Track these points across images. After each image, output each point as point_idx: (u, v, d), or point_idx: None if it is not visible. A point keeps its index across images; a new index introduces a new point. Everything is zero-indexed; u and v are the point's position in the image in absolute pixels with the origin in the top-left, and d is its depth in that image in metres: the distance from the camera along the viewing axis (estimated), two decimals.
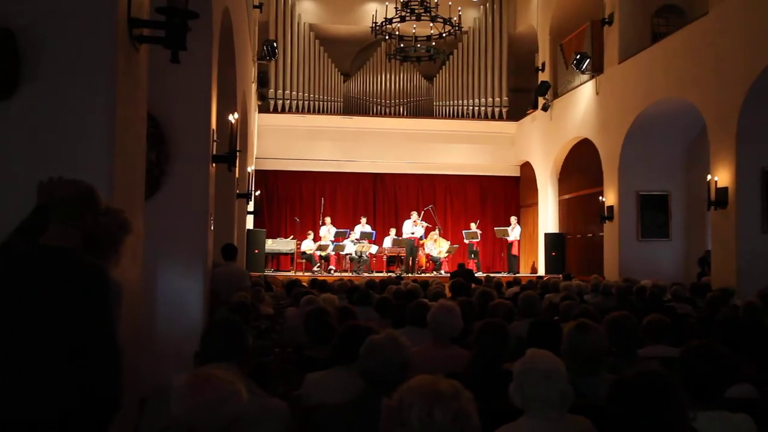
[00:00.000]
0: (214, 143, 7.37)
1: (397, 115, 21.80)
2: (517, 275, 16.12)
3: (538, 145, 19.94)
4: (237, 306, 5.29)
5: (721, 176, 11.66)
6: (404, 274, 16.04)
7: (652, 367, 2.49)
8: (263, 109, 20.53)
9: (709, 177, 11.92)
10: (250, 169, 14.56)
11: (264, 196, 20.33)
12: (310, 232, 18.76)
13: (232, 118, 8.02)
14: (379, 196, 21.72)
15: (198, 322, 6.52)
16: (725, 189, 11.53)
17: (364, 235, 18.33)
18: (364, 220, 19.15)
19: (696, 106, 12.54)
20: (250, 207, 15.40)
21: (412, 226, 18.51)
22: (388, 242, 19.01)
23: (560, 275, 13.87)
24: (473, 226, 19.42)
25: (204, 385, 2.07)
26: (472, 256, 19.06)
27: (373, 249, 18.26)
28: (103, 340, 2.44)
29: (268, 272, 17.23)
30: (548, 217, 19.32)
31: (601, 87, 16.19)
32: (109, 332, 2.45)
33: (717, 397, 2.87)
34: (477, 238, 19.10)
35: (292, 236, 19.15)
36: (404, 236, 18.62)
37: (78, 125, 3.42)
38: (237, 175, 11.13)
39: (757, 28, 10.96)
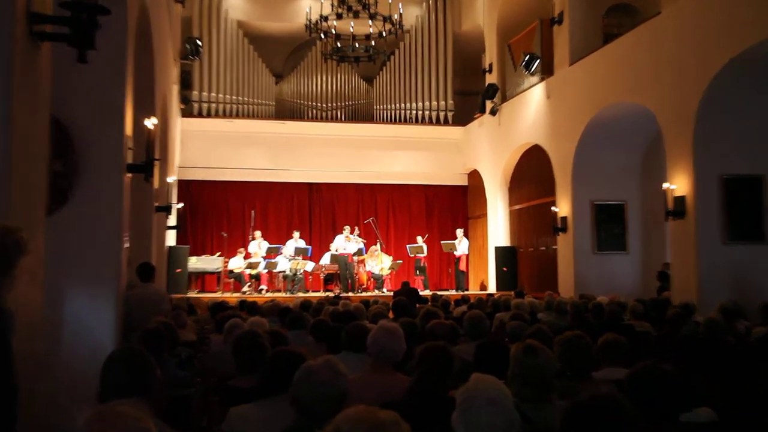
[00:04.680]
0: (129, 151, 7.23)
1: (334, 119, 21.81)
2: (465, 293, 16.25)
3: (486, 151, 20.18)
4: (151, 333, 5.16)
5: (679, 184, 11.93)
6: (343, 294, 15.99)
7: (606, 391, 2.51)
8: (186, 113, 20.29)
9: (666, 185, 12.20)
10: (171, 179, 14.35)
11: (187, 208, 20.07)
12: (241, 249, 18.56)
13: (150, 123, 7.88)
14: (316, 208, 21.66)
15: (108, 348, 6.36)
16: (683, 198, 11.80)
17: (298, 251, 18.24)
18: (297, 234, 19.03)
19: (651, 111, 12.84)
20: (171, 221, 15.14)
21: (344, 242, 18.48)
22: (326, 259, 18.95)
23: (512, 292, 14.01)
24: (420, 240, 19.52)
25: (108, 423, 2.00)
26: (419, 272, 19.14)
27: (309, 266, 18.18)
28: None
29: (192, 294, 16.98)
30: (498, 229, 19.55)
31: (551, 90, 16.48)
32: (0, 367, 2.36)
33: (669, 421, 2.90)
34: (423, 253, 19.19)
35: (218, 253, 18.93)
36: (337, 252, 18.58)
37: None
38: (156, 186, 10.93)
39: (712, 28, 11.27)
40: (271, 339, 5.14)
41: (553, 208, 16.04)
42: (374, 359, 4.46)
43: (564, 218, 15.63)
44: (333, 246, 18.73)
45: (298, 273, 17.88)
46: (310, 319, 7.14)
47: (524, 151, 18.42)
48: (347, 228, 18.85)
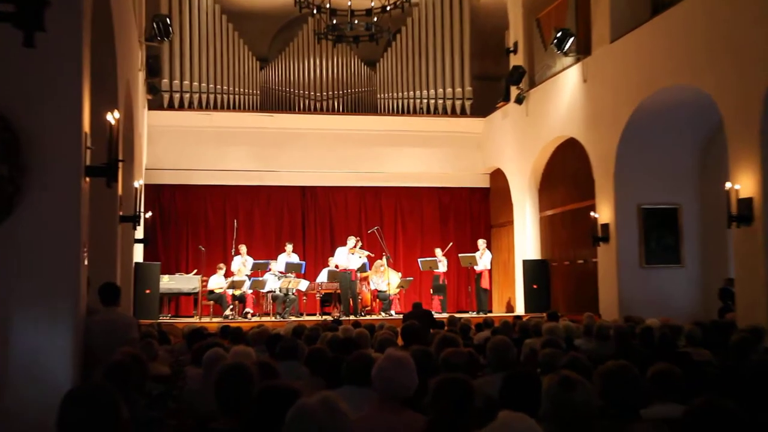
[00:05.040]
0: (88, 151, 7.24)
1: (330, 111, 21.84)
2: (488, 315, 16.24)
3: (511, 147, 20.20)
4: (116, 366, 5.16)
5: (744, 184, 11.86)
6: (343, 318, 15.99)
7: None
8: (155, 105, 20.34)
9: (728, 185, 12.14)
10: (138, 183, 14.34)
11: (157, 218, 20.13)
12: (221, 265, 18.57)
13: (112, 117, 7.89)
14: (310, 217, 21.69)
15: (65, 389, 6.35)
16: (749, 200, 11.72)
17: (289, 268, 18.24)
18: (290, 247, 19.08)
19: (711, 97, 12.76)
20: (139, 233, 15.14)
21: (347, 256, 18.48)
22: (323, 276, 18.95)
23: (543, 314, 13.97)
24: (439, 253, 19.54)
25: None
26: (436, 291, 19.13)
27: (303, 285, 18.20)
28: None
29: (164, 319, 17.00)
30: (527, 240, 19.54)
31: (589, 72, 16.48)
32: None
33: None
34: (440, 268, 19.19)
35: (195, 271, 18.95)
36: (337, 269, 18.59)
37: None
38: (120, 192, 10.94)
39: None
40: (258, 372, 5.14)
41: (592, 214, 16.02)
42: (381, 395, 4.45)
43: (605, 226, 15.61)
44: (333, 261, 18.73)
45: (290, 293, 17.89)
46: (304, 347, 7.14)
47: (557, 146, 18.44)
48: (352, 239, 18.86)
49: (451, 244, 20.15)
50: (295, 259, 18.89)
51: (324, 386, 5.60)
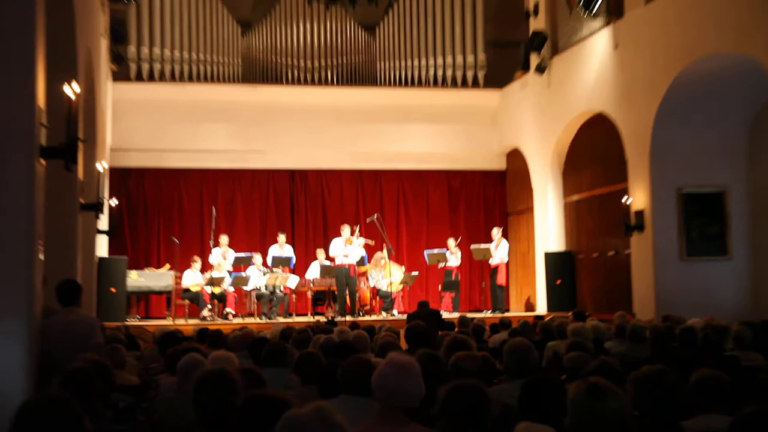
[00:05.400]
0: (43, 129, 7.22)
1: (323, 83, 21.81)
2: (505, 315, 16.22)
3: (531, 123, 20.20)
4: (78, 375, 5.15)
5: None
6: (339, 318, 15.99)
7: None
8: (121, 76, 20.30)
9: None
10: (102, 166, 14.34)
11: (124, 206, 20.14)
12: (195, 258, 18.53)
13: (70, 90, 7.88)
14: (300, 204, 21.69)
15: (17, 401, 6.34)
16: None
17: (277, 262, 18.24)
18: (282, 238, 19.04)
19: (761, 64, 12.74)
20: (103, 224, 15.14)
21: (344, 247, 18.41)
22: (314, 271, 18.94)
23: (569, 313, 13.97)
24: (452, 244, 19.56)
25: None
26: (447, 288, 19.12)
27: (292, 281, 18.20)
28: None
29: (133, 321, 16.97)
30: (549, 229, 19.55)
31: (621, 38, 16.46)
32: None
33: None
34: (451, 261, 19.18)
35: (168, 266, 18.95)
36: (335, 260, 18.58)
37: None
38: (80, 177, 10.92)
39: None
40: (241, 380, 5.13)
41: (624, 199, 16.01)
42: (382, 406, 4.44)
43: (640, 212, 15.61)
44: (331, 252, 18.59)
45: (277, 291, 17.90)
46: (294, 352, 7.14)
47: (584, 122, 18.41)
48: (346, 228, 18.74)
49: (460, 238, 20.14)
50: (288, 251, 18.89)
51: (317, 396, 5.59)
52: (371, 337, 8.80)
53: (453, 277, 19.33)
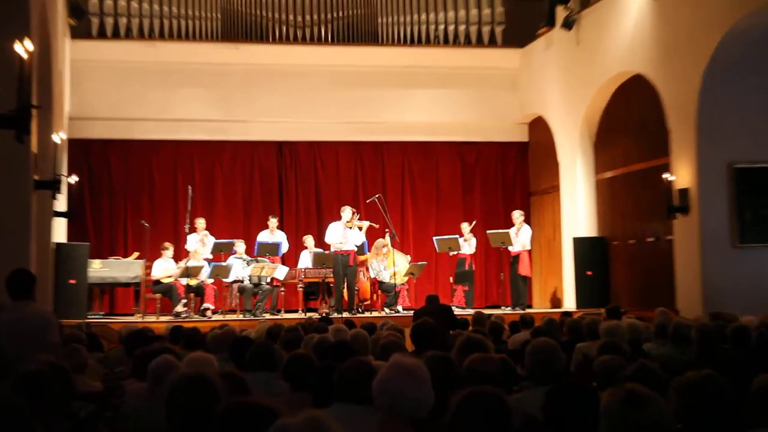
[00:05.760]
0: None
1: (316, 41, 21.76)
2: (527, 311, 16.23)
3: (557, 88, 20.18)
4: (31, 379, 5.16)
5: None
6: (334, 315, 16.01)
7: None
8: (81, 33, 20.26)
9: None
10: (59, 138, 14.34)
11: (85, 184, 20.11)
12: (166, 245, 18.51)
13: (22, 49, 7.86)
14: (290, 182, 21.71)
15: None
16: None
17: (263, 249, 18.21)
18: (273, 222, 19.04)
19: None
20: (61, 204, 15.13)
21: (344, 232, 18.30)
22: (305, 260, 18.95)
23: (601, 310, 13.96)
24: (466, 229, 19.55)
25: None
26: (460, 280, 19.12)
27: (280, 272, 18.19)
28: None
29: (95, 318, 17.03)
30: (578, 211, 19.54)
31: None
32: None
33: None
34: (459, 249, 19.14)
35: (136, 254, 18.94)
36: (331, 248, 18.53)
37: None
38: (34, 150, 10.91)
39: None
40: (222, 386, 5.14)
41: (666, 176, 16.00)
42: (385, 415, 4.46)
43: (684, 191, 15.60)
44: (328, 238, 18.39)
45: (263, 283, 17.91)
46: (282, 354, 7.14)
47: (619, 85, 18.38)
48: (347, 210, 18.54)
49: (475, 222, 20.11)
50: (281, 238, 18.91)
51: (309, 404, 5.60)
52: (372, 337, 8.81)
53: (466, 267, 19.31)
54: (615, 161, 18.83)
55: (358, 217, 18.85)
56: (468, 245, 19.33)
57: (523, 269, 19.17)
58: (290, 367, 6.47)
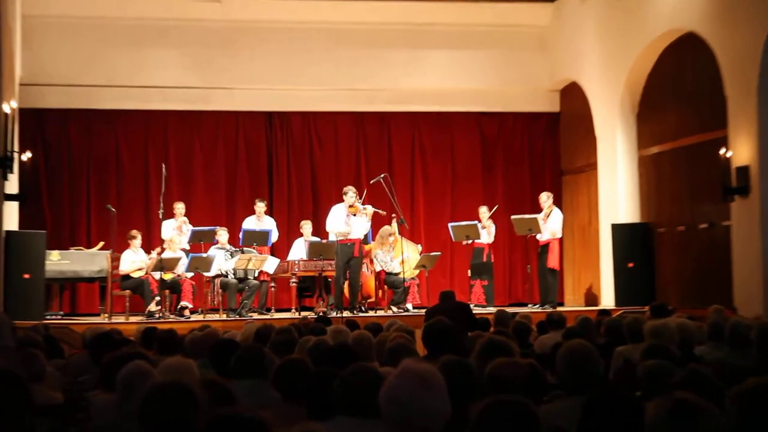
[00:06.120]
0: None
1: None
2: (558, 309, 16.27)
3: (594, 48, 20.19)
4: None
5: None
6: (333, 314, 16.03)
7: None
8: None
9: None
10: (10, 107, 14.36)
11: (41, 162, 20.20)
12: (133, 233, 18.47)
13: None
14: (281, 159, 21.75)
15: None
16: None
17: (250, 238, 18.19)
18: (261, 206, 19.05)
19: None
20: (12, 186, 15.16)
21: (346, 218, 18.24)
22: (298, 249, 18.98)
23: (645, 308, 13.98)
24: (484, 214, 19.55)
25: None
26: (478, 274, 19.15)
27: (270, 265, 18.22)
28: None
29: (54, 319, 17.08)
30: (619, 193, 19.58)
31: None
32: None
33: None
34: (478, 237, 19.12)
35: (102, 244, 18.94)
36: (331, 236, 18.50)
37: None
38: None
39: None
40: (204, 396, 5.15)
41: (723, 152, 16.00)
42: (393, 430, 4.46)
43: (743, 170, 15.61)
44: (329, 224, 18.26)
45: (249, 277, 17.93)
46: (273, 359, 7.16)
47: (667, 45, 18.35)
48: (350, 192, 18.33)
49: (497, 206, 20.06)
50: (270, 225, 18.95)
51: (304, 417, 5.61)
52: (377, 340, 8.83)
53: (484, 259, 19.31)
54: (662, 134, 18.82)
55: (363, 201, 18.68)
56: (486, 233, 19.28)
57: (553, 261, 19.14)
58: (282, 374, 6.50)
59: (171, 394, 4.65)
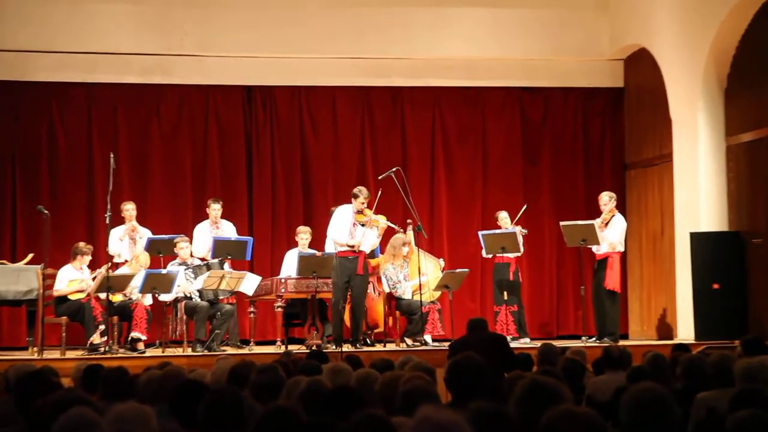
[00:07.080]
0: None
1: None
2: (618, 344, 16.31)
3: (669, 8, 20.20)
4: None
5: None
6: (330, 348, 16.07)
7: None
8: None
9: None
10: None
11: None
12: (83, 248, 18.46)
13: None
14: (263, 145, 21.81)
15: None
16: None
17: (221, 249, 18.20)
18: (216, 208, 19.16)
19: None
20: None
21: (352, 227, 18.14)
22: (291, 264, 18.95)
23: (735, 342, 14.01)
24: (504, 221, 19.50)
25: None
26: (505, 294, 19.07)
27: (249, 284, 18.23)
28: None
29: None
30: (700, 194, 19.56)
31: None
32: None
33: None
34: (519, 250, 19.10)
35: (30, 256, 18.98)
36: (328, 247, 18.60)
37: None
38: None
39: None
40: None
41: None
42: None
43: None
44: (331, 231, 18.22)
45: (218, 301, 17.98)
46: (254, 406, 7.18)
47: (762, 4, 18.35)
48: (362, 194, 18.17)
49: (525, 206, 20.10)
50: (229, 230, 19.00)
51: None
52: (387, 380, 8.84)
53: (511, 277, 19.31)
54: (757, 118, 18.84)
55: (372, 210, 18.38)
56: (516, 242, 19.22)
57: (613, 280, 19.10)
58: (266, 426, 6.51)
59: None
